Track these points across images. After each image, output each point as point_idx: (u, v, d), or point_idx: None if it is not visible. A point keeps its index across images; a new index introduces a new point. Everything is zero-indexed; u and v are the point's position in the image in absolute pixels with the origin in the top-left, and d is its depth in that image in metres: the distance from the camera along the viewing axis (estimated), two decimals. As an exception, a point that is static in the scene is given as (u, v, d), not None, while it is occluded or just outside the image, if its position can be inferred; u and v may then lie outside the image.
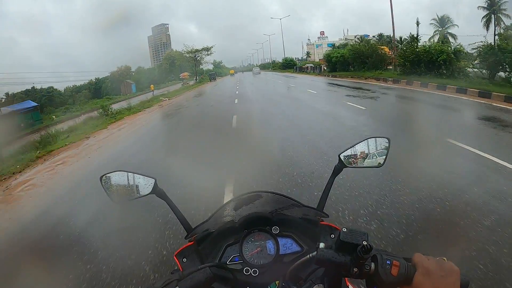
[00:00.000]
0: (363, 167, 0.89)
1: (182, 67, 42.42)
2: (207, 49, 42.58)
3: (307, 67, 34.78)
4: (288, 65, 46.85)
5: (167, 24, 54.70)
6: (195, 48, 42.36)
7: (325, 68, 26.57)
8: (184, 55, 42.15)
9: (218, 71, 50.51)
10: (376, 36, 58.61)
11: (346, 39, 63.74)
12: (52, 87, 36.54)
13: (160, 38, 52.61)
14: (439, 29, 28.38)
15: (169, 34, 52.81)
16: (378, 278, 0.55)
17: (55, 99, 35.17)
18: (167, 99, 20.95)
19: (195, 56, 41.99)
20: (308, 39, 60.46)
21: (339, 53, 24.90)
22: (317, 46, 53.76)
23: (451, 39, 28.21)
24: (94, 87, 40.30)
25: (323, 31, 58.49)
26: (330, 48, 64.98)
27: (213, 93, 21.60)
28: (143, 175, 0.82)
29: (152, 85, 32.45)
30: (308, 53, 56.75)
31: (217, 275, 0.66)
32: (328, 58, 26.47)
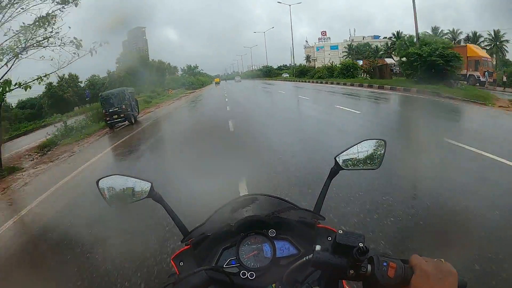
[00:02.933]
0: (359, 169, 0.97)
1: (144, 75, 32.23)
2: None
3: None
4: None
5: (144, 27, 48.17)
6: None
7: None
8: None
9: (188, 82, 40.39)
10: (405, 36, 52.85)
11: (353, 40, 59.85)
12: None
13: (136, 43, 47.01)
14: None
15: (146, 39, 46.99)
16: (375, 280, 0.60)
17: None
18: None
19: None
20: (306, 41, 55.86)
21: None
22: (318, 48, 49.59)
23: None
24: (31, 104, 30.11)
25: (325, 31, 53.62)
26: (335, 51, 59.12)
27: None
28: (140, 178, 0.91)
29: None
30: (308, 57, 52.13)
31: (214, 278, 0.74)
32: None
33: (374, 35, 57.91)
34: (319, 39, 54.70)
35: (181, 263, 0.80)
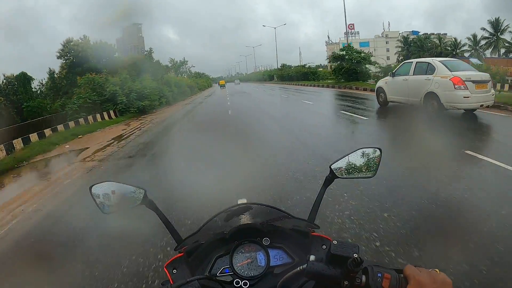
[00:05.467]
0: (354, 177, 1.02)
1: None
2: None
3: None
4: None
5: (140, 24, 43.84)
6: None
7: None
8: None
9: (124, 95, 19.00)
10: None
11: (387, 35, 57.27)
12: None
13: (131, 41, 42.53)
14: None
15: (142, 36, 44.07)
16: None
17: None
18: None
19: None
20: (328, 37, 53.54)
21: None
22: (344, 45, 47.29)
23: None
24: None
25: (352, 24, 50.58)
26: (366, 48, 55.14)
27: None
28: (133, 185, 0.97)
29: None
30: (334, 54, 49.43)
31: (207, 287, 0.77)
32: None
33: (412, 30, 54.55)
34: (345, 33, 52.12)
35: (174, 271, 0.83)
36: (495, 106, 8.63)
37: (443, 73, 8.05)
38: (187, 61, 42.49)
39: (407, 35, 49.28)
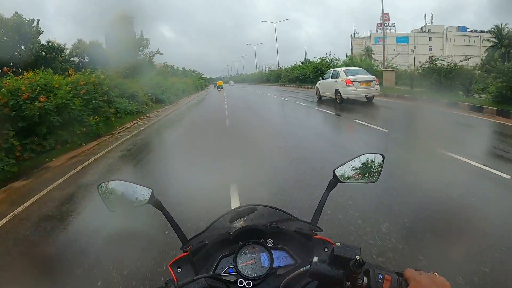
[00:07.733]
0: (357, 182, 1.08)
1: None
2: None
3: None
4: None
5: (132, 17, 34.42)
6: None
7: None
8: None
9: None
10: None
11: (429, 30, 55.04)
12: None
13: (120, 36, 32.70)
14: None
15: (134, 31, 32.08)
16: None
17: None
18: None
19: None
20: (353, 30, 50.26)
21: None
22: (377, 40, 46.01)
23: None
24: None
25: (387, 14, 45.42)
26: (404, 44, 52.17)
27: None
28: (140, 185, 1.03)
29: None
30: (368, 51, 45.14)
31: (212, 286, 0.83)
32: None
33: (459, 26, 52.35)
34: (378, 25, 46.49)
35: (179, 270, 0.89)
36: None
37: (342, 77, 13.96)
38: (147, 38, 25.68)
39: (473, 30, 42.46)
